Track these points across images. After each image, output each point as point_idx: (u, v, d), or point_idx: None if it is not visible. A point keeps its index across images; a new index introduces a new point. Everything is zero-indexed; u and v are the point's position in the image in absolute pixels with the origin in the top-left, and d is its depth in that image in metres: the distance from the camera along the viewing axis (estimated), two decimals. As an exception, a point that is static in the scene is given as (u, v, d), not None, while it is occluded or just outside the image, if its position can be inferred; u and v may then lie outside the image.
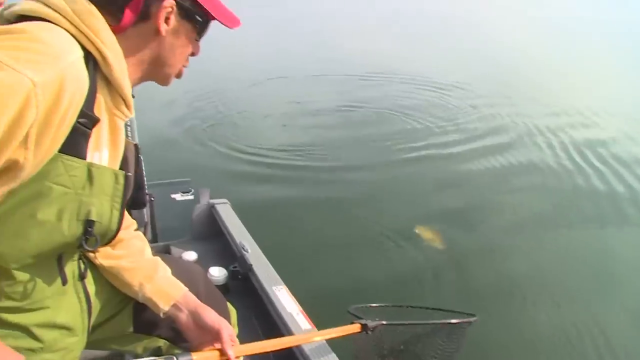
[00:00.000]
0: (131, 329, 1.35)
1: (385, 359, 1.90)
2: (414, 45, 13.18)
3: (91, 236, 0.97)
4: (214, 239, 2.85)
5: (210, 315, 1.23)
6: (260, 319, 2.23)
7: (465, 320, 1.97)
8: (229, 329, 1.23)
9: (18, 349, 0.94)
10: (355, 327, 1.67)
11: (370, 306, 1.97)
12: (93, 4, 0.92)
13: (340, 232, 4.08)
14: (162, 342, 1.41)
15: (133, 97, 1.02)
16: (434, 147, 6.35)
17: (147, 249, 1.34)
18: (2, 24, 0.92)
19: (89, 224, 0.95)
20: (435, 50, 12.77)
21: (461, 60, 11.81)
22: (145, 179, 2.96)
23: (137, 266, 1.25)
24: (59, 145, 0.86)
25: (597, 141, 6.75)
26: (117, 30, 0.94)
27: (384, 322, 1.79)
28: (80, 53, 0.88)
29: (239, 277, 2.44)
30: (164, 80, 1.10)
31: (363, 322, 1.70)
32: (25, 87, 0.76)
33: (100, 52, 0.90)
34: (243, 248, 2.55)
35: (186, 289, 1.28)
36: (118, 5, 0.94)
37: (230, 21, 1.07)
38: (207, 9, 1.02)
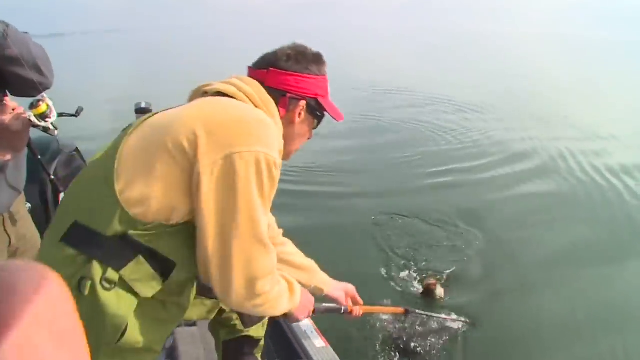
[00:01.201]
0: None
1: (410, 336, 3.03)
2: (436, 63, 13.13)
3: None
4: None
5: (346, 285, 1.92)
6: (275, 340, 2.17)
7: (464, 320, 3.15)
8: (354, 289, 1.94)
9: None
10: (400, 309, 2.48)
11: None
12: None
13: (354, 255, 4.03)
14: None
15: None
16: (455, 172, 6.25)
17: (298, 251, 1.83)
18: (199, 95, 1.33)
19: None
20: (457, 69, 12.72)
21: (483, 79, 11.73)
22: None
23: (310, 275, 1.80)
24: None
25: (623, 164, 6.54)
26: None
27: (417, 311, 2.76)
28: None
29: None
30: (287, 157, 1.44)
31: (406, 307, 2.50)
32: (278, 164, 1.17)
33: None
34: None
35: (330, 279, 1.88)
36: (274, 101, 1.33)
37: (339, 116, 1.46)
38: (325, 107, 1.43)
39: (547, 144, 7.45)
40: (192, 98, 1.35)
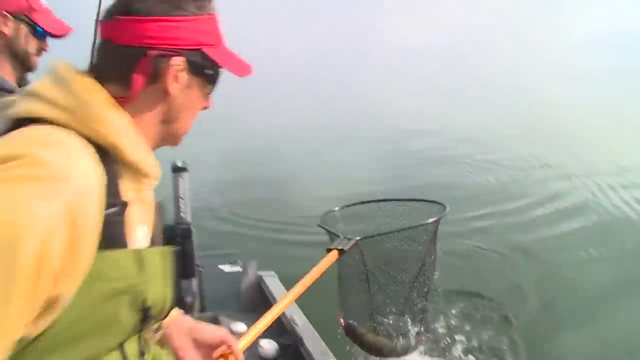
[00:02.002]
0: None
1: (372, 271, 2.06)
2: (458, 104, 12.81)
3: (149, 320, 0.93)
4: (262, 311, 2.83)
5: (209, 328, 1.24)
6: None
7: (436, 218, 2.02)
8: (230, 335, 1.23)
9: None
10: (333, 255, 1.71)
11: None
12: (98, 79, 0.89)
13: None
14: None
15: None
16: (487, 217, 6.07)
17: None
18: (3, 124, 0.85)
19: (145, 311, 0.90)
20: (479, 108, 12.41)
21: (505, 116, 11.40)
22: (195, 251, 3.04)
23: None
24: (94, 251, 0.79)
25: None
26: (125, 100, 0.89)
27: (358, 238, 1.83)
28: (85, 153, 0.81)
29: (289, 349, 2.42)
30: (175, 141, 1.02)
31: (335, 247, 1.76)
32: (44, 221, 0.70)
33: (109, 143, 0.85)
34: (293, 321, 2.54)
35: (179, 312, 1.26)
36: (124, 71, 0.89)
37: (241, 70, 1.01)
38: (216, 60, 0.96)
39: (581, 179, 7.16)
40: None
